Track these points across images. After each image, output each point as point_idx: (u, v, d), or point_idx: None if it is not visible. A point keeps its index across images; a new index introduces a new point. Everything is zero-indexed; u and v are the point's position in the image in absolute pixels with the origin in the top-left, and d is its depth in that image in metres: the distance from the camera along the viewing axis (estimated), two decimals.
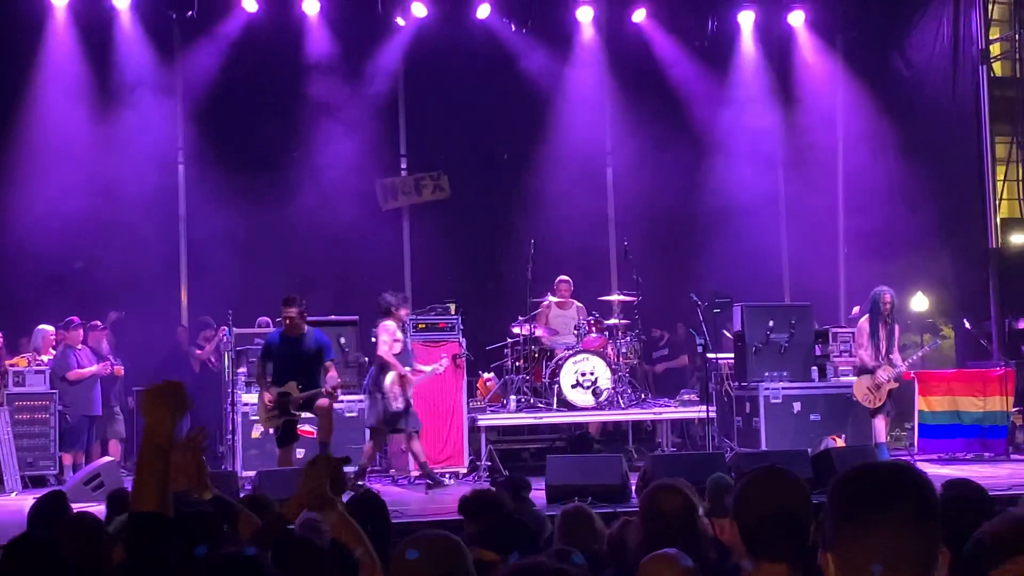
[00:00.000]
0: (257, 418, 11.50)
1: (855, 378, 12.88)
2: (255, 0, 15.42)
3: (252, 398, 11.78)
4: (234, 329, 13.06)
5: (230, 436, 12.34)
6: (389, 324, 11.56)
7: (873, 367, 12.54)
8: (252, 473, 10.65)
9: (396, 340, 11.53)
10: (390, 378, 11.38)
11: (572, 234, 16.16)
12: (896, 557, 2.16)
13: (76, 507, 9.14)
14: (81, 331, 13.25)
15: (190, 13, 15.12)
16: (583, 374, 13.17)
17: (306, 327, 10.97)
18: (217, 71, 15.56)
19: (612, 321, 14.36)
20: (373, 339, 12.05)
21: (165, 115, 15.80)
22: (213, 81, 15.60)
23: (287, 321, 10.86)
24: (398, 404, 11.39)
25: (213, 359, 14.57)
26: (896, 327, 12.83)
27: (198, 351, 14.84)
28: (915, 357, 13.32)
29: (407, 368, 11.55)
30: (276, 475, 9.86)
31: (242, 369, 12.67)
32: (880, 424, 12.56)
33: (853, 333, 13.46)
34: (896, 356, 12.67)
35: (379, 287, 15.93)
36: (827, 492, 2.29)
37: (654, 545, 3.91)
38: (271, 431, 11.10)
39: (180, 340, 15.34)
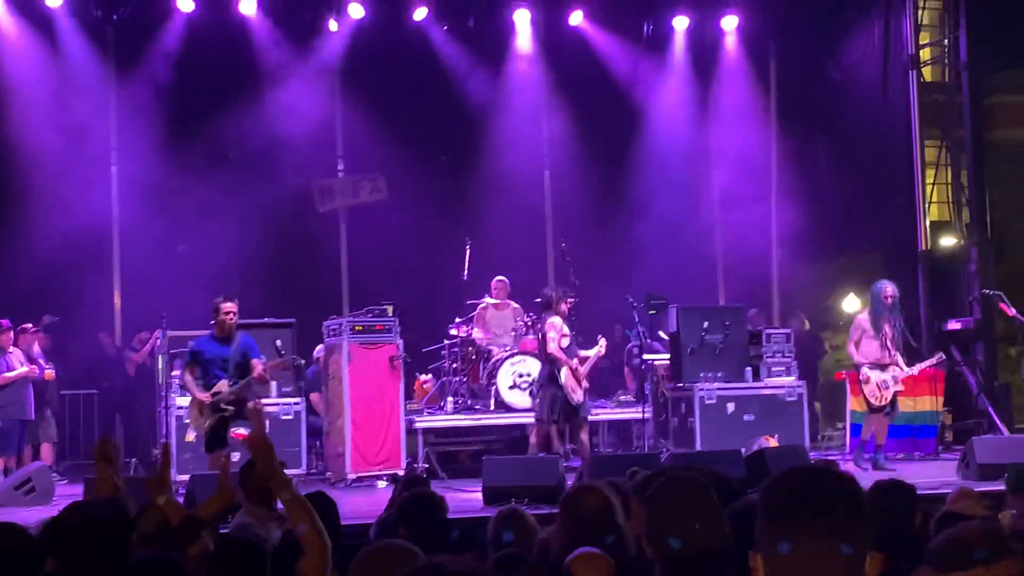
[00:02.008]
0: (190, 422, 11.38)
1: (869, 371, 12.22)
2: (191, 0, 15.29)
3: (186, 401, 11.62)
4: (168, 332, 12.93)
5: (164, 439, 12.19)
6: (555, 320, 11.64)
7: (887, 363, 12.11)
8: (186, 477, 10.52)
9: (564, 335, 11.62)
10: (564, 373, 11.48)
11: (509, 235, 16.18)
12: (821, 562, 2.20)
13: (6, 512, 9.06)
14: (11, 334, 13.04)
15: (115, 16, 15.03)
16: (520, 375, 13.21)
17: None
18: (152, 71, 15.41)
19: None
20: (532, 335, 12.41)
21: (98, 116, 15.62)
22: (147, 82, 15.44)
23: (228, 318, 10.62)
24: (577, 396, 11.52)
25: (149, 362, 14.42)
26: (900, 322, 12.35)
27: (133, 354, 14.68)
28: (921, 368, 12.67)
29: (574, 360, 11.68)
30: (210, 479, 9.77)
31: (176, 372, 12.50)
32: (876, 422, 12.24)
33: (786, 334, 13.61)
34: (899, 357, 12.24)
35: (316, 289, 15.95)
36: (758, 495, 2.33)
37: (577, 546, 3.97)
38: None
39: (104, 345, 15.17)
